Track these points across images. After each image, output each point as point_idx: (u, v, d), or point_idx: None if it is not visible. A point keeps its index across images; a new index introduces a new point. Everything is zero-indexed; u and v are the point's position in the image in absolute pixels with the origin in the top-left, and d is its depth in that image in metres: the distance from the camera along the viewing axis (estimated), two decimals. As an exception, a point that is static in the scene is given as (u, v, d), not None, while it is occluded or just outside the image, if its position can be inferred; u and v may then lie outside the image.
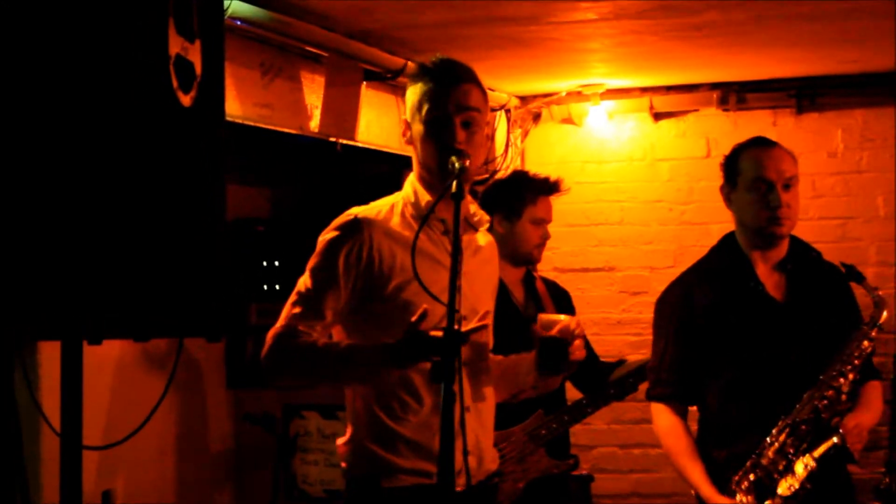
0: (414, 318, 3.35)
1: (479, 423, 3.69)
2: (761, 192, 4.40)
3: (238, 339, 6.69)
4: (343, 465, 3.68)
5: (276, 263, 6.71)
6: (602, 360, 5.64)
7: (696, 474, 4.42)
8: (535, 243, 5.35)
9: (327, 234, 3.62)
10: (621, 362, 5.59)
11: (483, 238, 3.87)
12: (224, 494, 6.78)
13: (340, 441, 3.73)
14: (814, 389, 4.26)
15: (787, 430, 4.24)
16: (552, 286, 5.57)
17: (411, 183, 3.71)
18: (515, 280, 5.38)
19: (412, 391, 3.57)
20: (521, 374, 3.85)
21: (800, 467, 4.21)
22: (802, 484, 4.19)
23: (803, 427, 4.24)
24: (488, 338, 3.82)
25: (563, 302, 5.48)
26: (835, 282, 4.48)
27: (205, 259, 3.14)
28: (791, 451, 4.23)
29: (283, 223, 6.99)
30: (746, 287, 4.44)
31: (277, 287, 6.68)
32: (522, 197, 5.34)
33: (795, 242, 4.54)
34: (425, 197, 3.65)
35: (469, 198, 3.74)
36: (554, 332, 3.76)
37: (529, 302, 5.35)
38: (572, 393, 5.46)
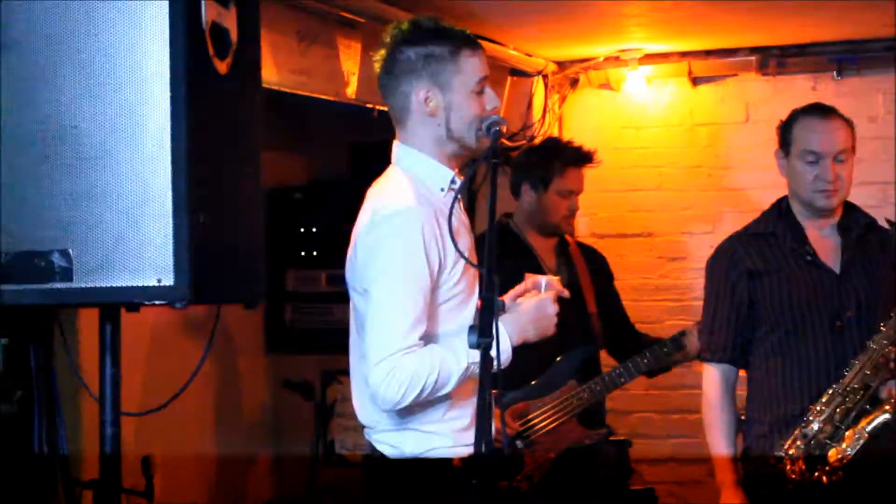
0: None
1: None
2: (812, 164, 4.37)
3: (276, 306, 6.72)
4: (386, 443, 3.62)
5: (314, 230, 6.73)
6: (642, 333, 5.57)
7: (721, 456, 4.45)
8: (562, 215, 5.25)
9: (391, 242, 3.41)
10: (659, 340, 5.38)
11: None
12: (262, 460, 6.82)
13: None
14: (863, 357, 4.24)
15: (837, 397, 4.23)
16: (588, 251, 5.53)
17: (417, 159, 3.58)
18: (548, 248, 5.32)
19: None
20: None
21: (850, 436, 4.20)
22: (853, 452, 4.19)
23: (852, 395, 4.23)
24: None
25: (600, 266, 5.44)
26: (889, 248, 4.45)
27: (241, 226, 3.15)
28: (840, 418, 4.22)
29: (321, 190, 7.00)
30: (798, 251, 4.42)
31: (315, 253, 6.70)
32: (551, 167, 5.23)
33: (849, 208, 4.52)
34: (445, 171, 3.57)
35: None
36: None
37: (562, 269, 5.29)
38: (608, 360, 5.46)
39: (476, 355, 3.10)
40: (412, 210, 3.42)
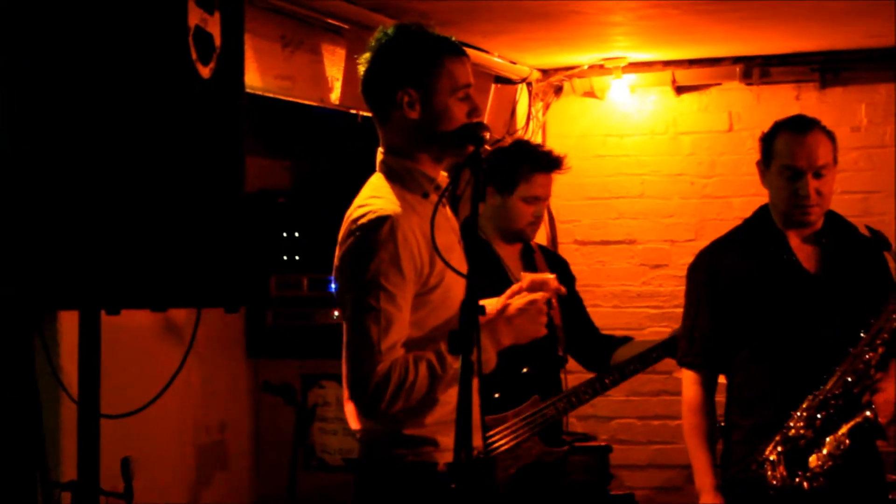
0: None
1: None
2: (791, 179, 4.39)
3: (258, 310, 6.72)
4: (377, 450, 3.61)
5: (297, 235, 6.73)
6: (610, 334, 5.46)
7: (701, 460, 4.50)
8: (527, 221, 5.10)
9: (375, 249, 3.41)
10: (626, 339, 5.36)
11: None
12: (242, 464, 6.81)
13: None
14: (844, 363, 4.26)
15: (817, 403, 4.25)
16: (551, 257, 5.46)
17: (400, 168, 3.58)
18: (513, 255, 5.19)
19: None
20: None
21: (831, 442, 4.22)
22: (833, 458, 4.20)
23: (833, 402, 4.24)
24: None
25: (563, 273, 5.31)
26: (870, 255, 4.47)
27: (223, 230, 3.15)
28: (821, 424, 4.24)
29: (304, 195, 7.00)
30: (779, 259, 4.44)
31: (297, 258, 6.70)
32: (517, 171, 5.06)
33: (831, 216, 4.54)
34: (425, 176, 3.58)
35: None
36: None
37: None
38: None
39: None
40: (389, 217, 3.42)
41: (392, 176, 3.58)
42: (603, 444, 6.78)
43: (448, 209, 3.69)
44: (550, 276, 3.74)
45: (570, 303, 5.21)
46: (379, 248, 3.40)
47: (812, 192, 4.37)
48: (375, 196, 3.52)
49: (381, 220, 3.42)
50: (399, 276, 3.40)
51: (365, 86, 3.65)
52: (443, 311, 3.53)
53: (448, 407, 3.46)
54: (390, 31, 3.61)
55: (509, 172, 5.05)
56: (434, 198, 3.54)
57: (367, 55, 3.62)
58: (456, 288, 3.51)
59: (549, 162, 5.14)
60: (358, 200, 3.57)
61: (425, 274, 3.47)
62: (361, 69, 3.64)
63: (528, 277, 3.72)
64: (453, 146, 3.54)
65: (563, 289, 3.75)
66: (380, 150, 3.66)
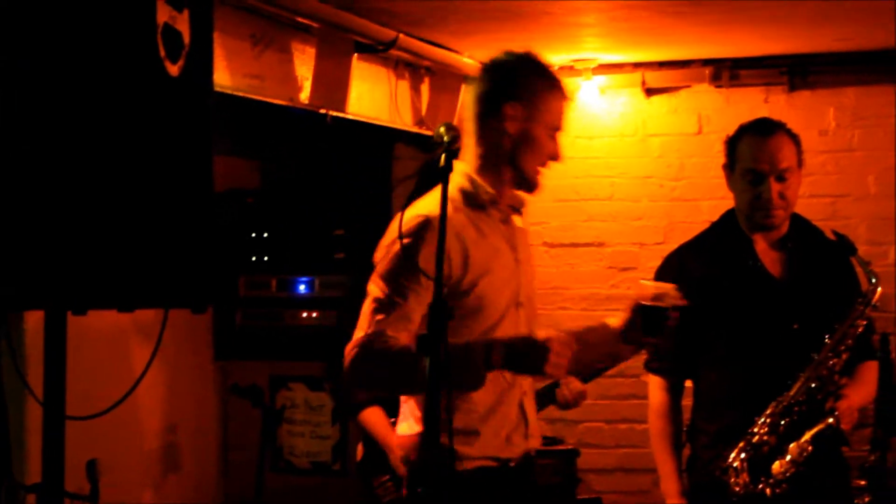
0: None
1: (532, 406, 3.79)
2: (753, 182, 4.40)
3: (226, 311, 6.69)
4: (403, 454, 3.81)
5: (265, 235, 6.71)
6: None
7: (666, 465, 4.52)
8: None
9: (405, 241, 3.55)
10: None
11: (520, 220, 3.93)
12: (210, 465, 6.79)
13: (401, 433, 3.84)
14: (808, 369, 4.26)
15: (781, 409, 4.25)
16: None
17: (466, 174, 3.73)
18: None
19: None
20: (596, 345, 3.93)
21: (794, 448, 4.22)
22: (797, 464, 4.20)
23: (797, 408, 4.24)
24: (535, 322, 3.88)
25: None
26: (836, 260, 4.47)
27: (191, 230, 3.14)
28: (784, 431, 4.24)
29: (273, 195, 6.99)
30: (744, 263, 4.44)
31: (266, 258, 6.68)
32: None
33: (797, 220, 4.54)
34: (486, 189, 3.71)
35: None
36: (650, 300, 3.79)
37: None
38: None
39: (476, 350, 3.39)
40: (428, 218, 3.55)
41: (458, 183, 3.71)
42: (570, 447, 6.78)
43: (515, 221, 3.84)
44: (669, 286, 3.81)
45: None
46: (411, 246, 3.54)
47: (774, 196, 4.37)
48: (427, 198, 3.66)
49: (416, 217, 3.58)
50: (416, 272, 3.50)
51: (478, 90, 3.80)
52: (478, 320, 3.62)
53: (479, 410, 3.63)
54: (520, 52, 3.82)
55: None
56: (494, 211, 3.72)
57: (490, 64, 3.82)
58: (496, 300, 3.64)
59: None
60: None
61: (455, 276, 3.57)
62: (481, 77, 3.82)
63: (649, 287, 3.85)
64: (527, 175, 3.74)
65: (683, 301, 3.84)
66: (457, 160, 3.74)
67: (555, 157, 3.76)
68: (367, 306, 3.59)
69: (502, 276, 3.68)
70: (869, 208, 7.37)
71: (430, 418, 3.09)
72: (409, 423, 3.81)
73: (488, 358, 3.46)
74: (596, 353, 3.99)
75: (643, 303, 3.81)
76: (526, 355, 3.46)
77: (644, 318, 3.81)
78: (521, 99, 3.70)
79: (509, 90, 3.71)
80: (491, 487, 3.63)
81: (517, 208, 3.85)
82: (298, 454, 6.62)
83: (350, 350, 3.53)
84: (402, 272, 3.55)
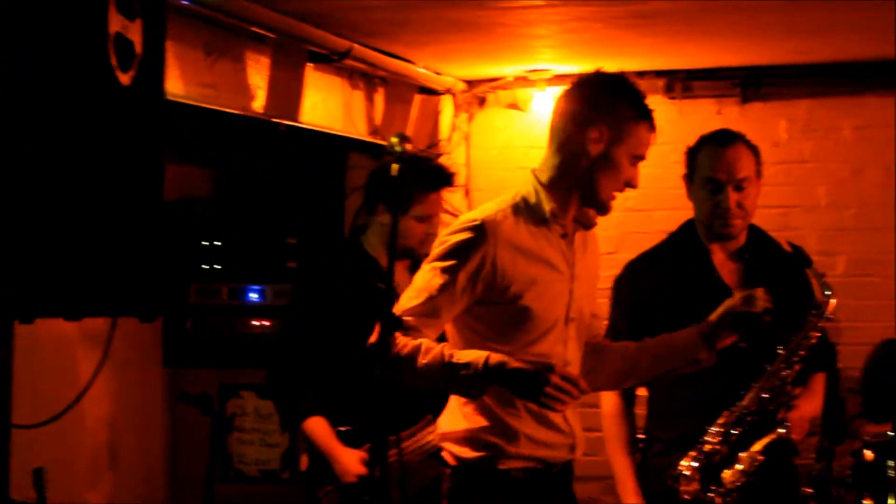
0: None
1: (576, 417, 3.82)
2: (712, 192, 4.43)
3: (177, 318, 6.67)
4: (450, 452, 3.74)
5: (218, 243, 6.69)
6: None
7: (622, 468, 4.54)
8: (419, 239, 4.94)
9: (454, 238, 3.62)
10: None
11: (590, 236, 3.96)
12: (159, 474, 6.76)
13: (441, 432, 3.82)
14: (761, 380, 4.28)
15: (733, 419, 4.27)
16: None
17: (534, 186, 3.74)
18: (401, 270, 5.01)
19: None
20: (681, 351, 3.94)
21: (745, 458, 4.24)
22: (747, 474, 4.23)
23: (749, 417, 4.27)
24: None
25: None
26: (791, 272, 4.49)
27: (140, 238, 3.14)
28: (736, 440, 4.26)
29: (226, 203, 6.97)
30: (701, 274, 4.47)
31: (218, 267, 6.66)
32: (411, 192, 4.89)
33: (755, 231, 4.57)
34: (548, 203, 3.70)
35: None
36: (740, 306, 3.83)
37: None
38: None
39: (474, 365, 3.44)
40: (483, 223, 3.60)
41: (526, 194, 3.73)
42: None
43: (580, 237, 3.85)
44: (759, 290, 3.87)
45: None
46: (455, 242, 3.61)
47: (732, 205, 4.41)
48: (491, 204, 3.72)
49: (469, 220, 3.64)
50: (456, 272, 3.57)
51: (566, 106, 3.79)
52: (521, 330, 3.65)
53: (518, 413, 3.67)
54: (613, 74, 3.83)
55: (404, 193, 4.84)
56: (555, 226, 3.72)
57: (582, 81, 3.81)
58: (543, 314, 3.65)
59: (443, 180, 5.07)
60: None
61: (500, 285, 3.60)
62: (570, 92, 3.80)
63: (737, 295, 3.89)
64: (600, 197, 3.74)
65: (768, 304, 3.87)
66: (532, 169, 3.80)
67: (632, 183, 3.78)
68: (410, 289, 3.65)
69: (552, 291, 3.69)
70: (820, 219, 7.43)
71: (380, 431, 3.10)
72: (453, 416, 3.79)
73: (487, 374, 3.48)
74: (669, 363, 3.97)
75: (736, 309, 3.82)
76: (522, 382, 3.48)
77: (737, 323, 3.83)
78: (607, 122, 3.68)
79: (597, 112, 3.70)
80: (532, 488, 3.66)
81: (587, 225, 3.85)
82: (248, 462, 6.61)
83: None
84: (447, 269, 3.59)
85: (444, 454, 3.73)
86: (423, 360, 3.48)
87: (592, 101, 3.71)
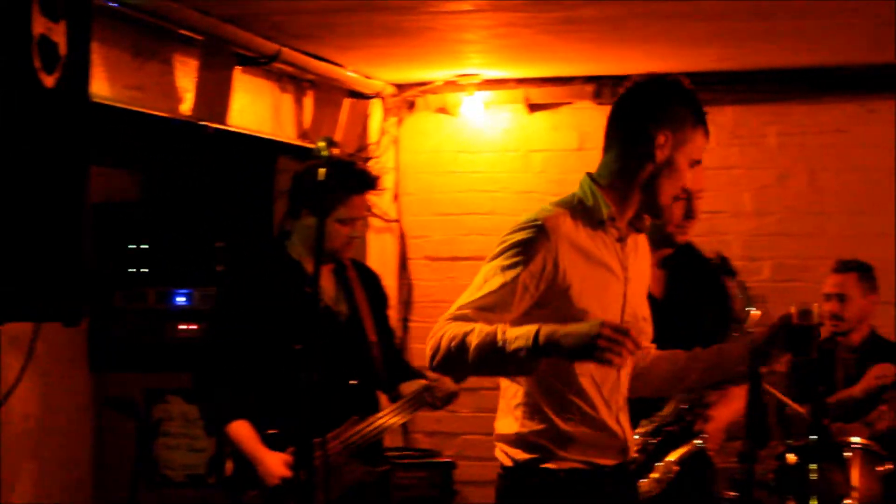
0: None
1: (627, 422, 3.79)
2: None
3: (102, 322, 6.62)
4: (503, 452, 3.74)
5: (145, 246, 6.65)
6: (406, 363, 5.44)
7: None
8: (342, 241, 4.96)
9: (515, 237, 3.60)
10: (418, 375, 5.18)
11: (642, 239, 3.93)
12: (83, 479, 6.72)
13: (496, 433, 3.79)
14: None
15: (652, 429, 4.30)
16: (365, 274, 5.27)
17: (591, 189, 3.72)
18: (326, 273, 4.99)
19: (583, 395, 3.65)
20: (730, 363, 3.89)
21: (661, 467, 4.27)
22: (661, 483, 4.26)
23: (667, 428, 4.30)
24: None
25: (376, 290, 5.26)
26: (715, 283, 4.51)
27: (64, 242, 3.11)
28: (653, 450, 4.29)
29: (153, 206, 6.93)
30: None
31: (145, 270, 6.62)
32: (334, 195, 4.86)
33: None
34: (607, 206, 3.68)
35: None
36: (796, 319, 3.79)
37: (341, 296, 5.08)
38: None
39: (516, 340, 3.39)
40: (541, 222, 3.58)
41: (584, 196, 3.71)
42: (447, 460, 6.80)
43: (632, 240, 3.79)
44: (814, 304, 3.81)
45: (382, 323, 5.20)
46: (517, 241, 3.58)
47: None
48: (553, 205, 3.68)
49: (535, 219, 3.60)
50: (518, 270, 3.54)
51: (625, 110, 3.77)
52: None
53: (566, 416, 3.65)
54: (672, 79, 3.79)
55: (327, 196, 4.78)
56: (611, 229, 3.68)
57: (641, 86, 3.78)
58: (599, 314, 3.58)
59: (367, 183, 5.07)
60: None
61: (560, 283, 3.58)
62: (628, 96, 3.78)
63: (793, 309, 3.81)
64: (660, 203, 3.70)
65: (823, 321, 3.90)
66: (587, 172, 3.78)
67: (688, 188, 3.78)
68: (470, 287, 3.63)
69: (609, 293, 3.68)
70: (744, 225, 7.51)
71: (305, 434, 3.09)
72: (507, 420, 3.80)
73: (538, 345, 3.45)
74: (718, 375, 3.97)
75: (792, 322, 3.83)
76: (575, 342, 3.43)
77: (792, 337, 3.82)
78: (671, 128, 3.67)
79: (661, 117, 3.69)
80: (579, 487, 3.65)
81: (640, 228, 3.81)
82: (174, 467, 6.57)
83: (439, 327, 3.56)
84: (510, 266, 3.56)
85: (498, 454, 3.74)
86: (473, 339, 3.47)
87: (655, 108, 3.72)
